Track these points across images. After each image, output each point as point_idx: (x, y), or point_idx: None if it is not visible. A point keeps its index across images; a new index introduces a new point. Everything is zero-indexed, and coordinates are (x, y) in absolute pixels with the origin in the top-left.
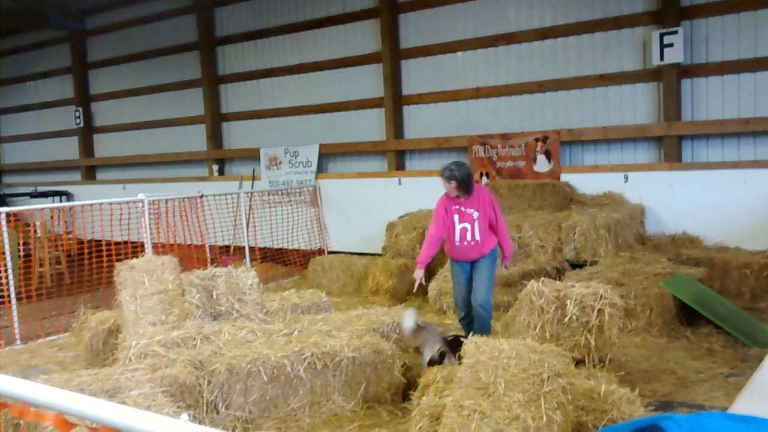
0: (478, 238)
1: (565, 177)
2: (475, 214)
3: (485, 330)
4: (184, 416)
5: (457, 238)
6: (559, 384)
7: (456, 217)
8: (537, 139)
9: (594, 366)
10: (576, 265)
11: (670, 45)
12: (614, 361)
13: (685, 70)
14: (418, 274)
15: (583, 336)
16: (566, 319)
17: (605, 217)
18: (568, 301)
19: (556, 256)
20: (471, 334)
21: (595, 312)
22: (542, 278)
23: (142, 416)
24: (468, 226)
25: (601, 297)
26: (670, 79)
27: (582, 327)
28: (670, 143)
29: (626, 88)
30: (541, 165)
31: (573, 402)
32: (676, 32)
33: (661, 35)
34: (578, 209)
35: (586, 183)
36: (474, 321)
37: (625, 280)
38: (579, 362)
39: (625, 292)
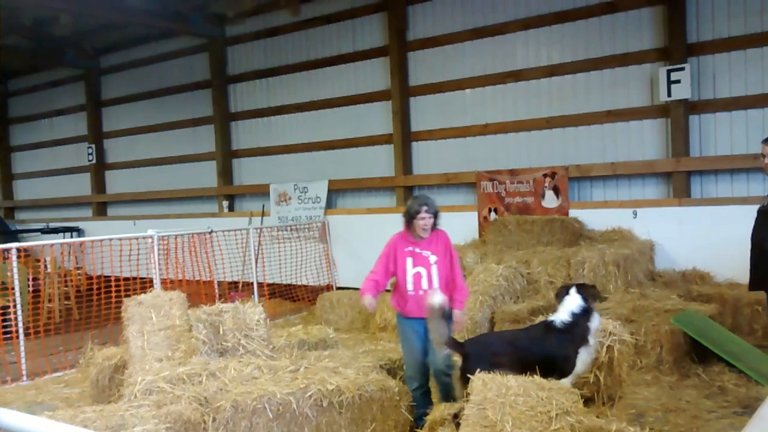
0: (435, 286)
1: (573, 213)
2: (432, 258)
3: (450, 393)
4: None
5: (410, 286)
6: (567, 422)
7: (409, 260)
8: (545, 175)
9: (603, 404)
10: None
11: (677, 81)
12: (624, 399)
13: (693, 106)
14: (368, 301)
15: (593, 373)
16: None
17: (614, 253)
18: None
19: None
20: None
21: (605, 348)
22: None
23: None
24: (423, 271)
25: (610, 333)
26: (677, 115)
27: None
28: (679, 179)
29: (634, 124)
30: (550, 201)
31: None
32: (683, 68)
33: (668, 72)
34: (587, 245)
35: (594, 219)
36: (438, 389)
37: (635, 317)
38: (588, 400)
39: (635, 329)
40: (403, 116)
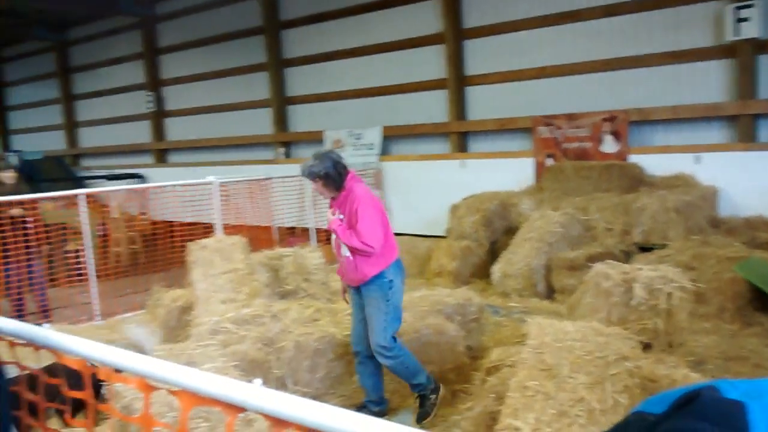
0: (347, 253)
1: (633, 158)
2: (344, 222)
3: (406, 375)
4: (258, 381)
5: (335, 250)
6: (625, 367)
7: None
8: (604, 119)
9: (662, 351)
10: (645, 249)
11: (746, 19)
12: (684, 347)
13: (762, 45)
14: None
15: (651, 320)
16: (633, 303)
17: (675, 199)
18: (636, 284)
19: (623, 239)
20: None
21: (664, 295)
22: (608, 261)
23: (218, 380)
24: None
25: (670, 280)
26: (745, 55)
27: (650, 311)
28: (745, 122)
29: (698, 65)
30: (609, 146)
31: (640, 386)
32: (752, 5)
33: (736, 9)
34: (647, 191)
35: (655, 164)
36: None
37: (696, 264)
38: (647, 347)
39: (695, 277)
40: (456, 60)
